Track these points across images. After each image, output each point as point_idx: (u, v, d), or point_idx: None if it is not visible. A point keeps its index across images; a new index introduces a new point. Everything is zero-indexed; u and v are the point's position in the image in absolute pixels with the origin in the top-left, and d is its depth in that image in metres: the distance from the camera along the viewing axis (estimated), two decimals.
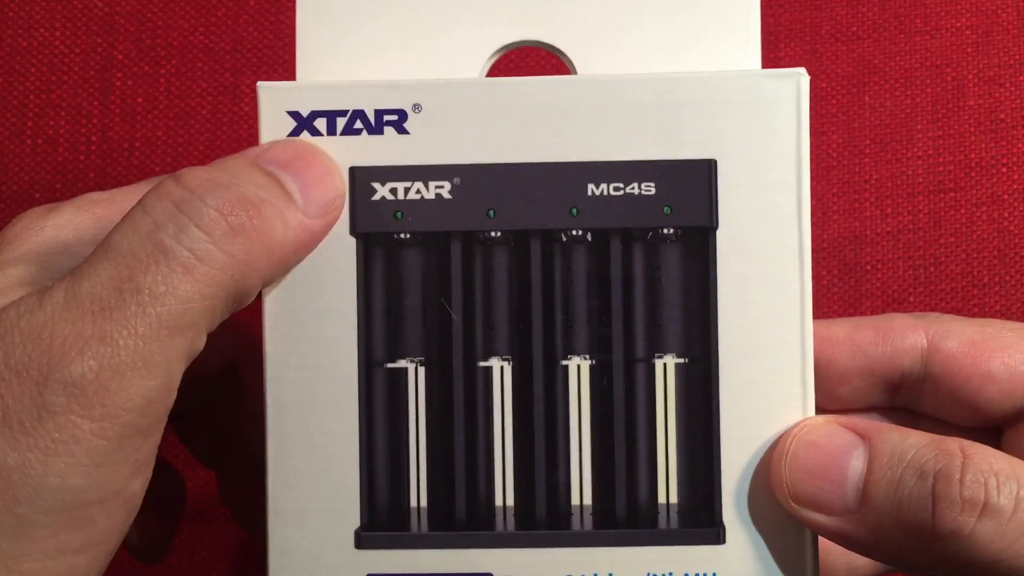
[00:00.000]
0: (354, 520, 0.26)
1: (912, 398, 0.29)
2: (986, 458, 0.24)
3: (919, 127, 0.38)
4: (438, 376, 0.26)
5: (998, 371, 0.28)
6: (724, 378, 0.26)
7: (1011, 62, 0.38)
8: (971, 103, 0.38)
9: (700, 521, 0.26)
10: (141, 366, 0.22)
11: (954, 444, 0.24)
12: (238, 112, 0.40)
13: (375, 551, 0.26)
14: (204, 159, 0.39)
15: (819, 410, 0.26)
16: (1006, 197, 0.38)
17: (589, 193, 0.26)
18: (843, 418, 0.25)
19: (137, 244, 0.22)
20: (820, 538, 0.26)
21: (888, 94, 0.38)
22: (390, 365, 0.26)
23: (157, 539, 0.32)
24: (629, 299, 0.26)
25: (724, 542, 0.25)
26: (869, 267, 0.39)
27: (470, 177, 0.26)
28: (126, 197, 0.27)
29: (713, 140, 0.26)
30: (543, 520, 0.26)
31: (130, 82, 0.39)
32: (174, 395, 0.23)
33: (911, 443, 0.24)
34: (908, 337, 0.28)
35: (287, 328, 0.26)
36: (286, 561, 0.26)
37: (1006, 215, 0.38)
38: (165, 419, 0.23)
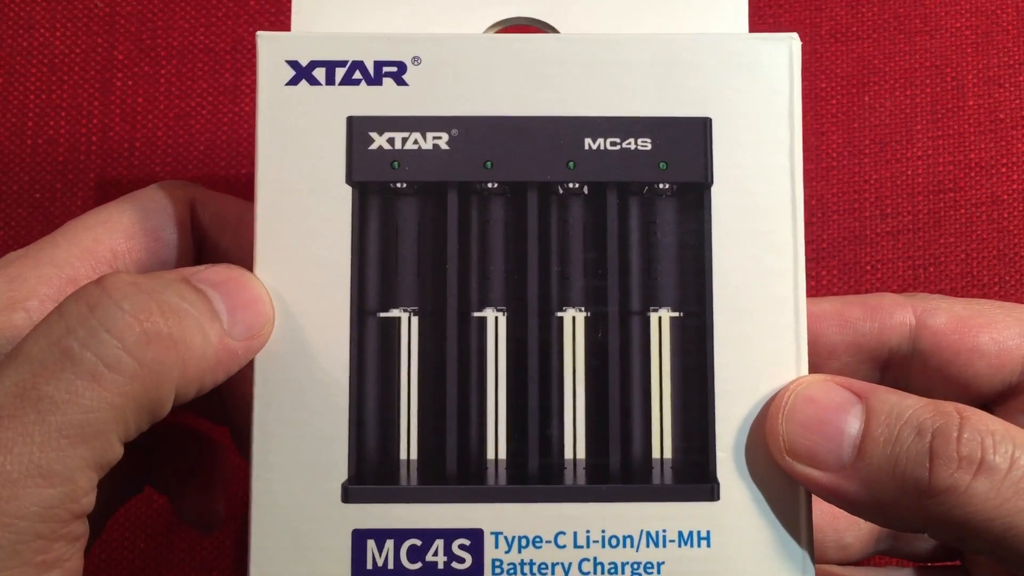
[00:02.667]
0: (341, 473, 0.25)
1: (901, 376, 0.29)
2: (982, 419, 0.23)
3: (919, 127, 0.38)
4: (431, 326, 0.26)
5: (986, 346, 0.28)
6: (718, 333, 0.25)
7: (1011, 62, 0.38)
8: (971, 103, 0.38)
9: (694, 477, 0.25)
10: (36, 475, 0.21)
11: (950, 406, 0.24)
12: (238, 112, 0.40)
13: (362, 505, 0.25)
14: (204, 159, 0.39)
15: None
16: (1006, 197, 0.38)
17: (586, 147, 0.26)
18: (840, 377, 0.25)
19: (45, 350, 0.22)
20: (812, 512, 0.25)
21: (888, 94, 0.38)
22: (383, 314, 0.26)
23: (204, 509, 0.31)
24: (625, 252, 0.26)
25: (718, 499, 0.25)
26: (869, 267, 0.39)
27: (468, 129, 0.26)
28: (40, 254, 0.27)
29: (708, 99, 0.26)
30: (535, 474, 0.25)
31: (130, 82, 0.39)
32: (85, 500, 0.22)
33: (908, 403, 0.24)
34: (896, 314, 0.28)
35: (278, 274, 0.25)
36: (269, 515, 0.25)
37: (1006, 215, 0.38)
38: (78, 520, 0.23)
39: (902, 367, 0.29)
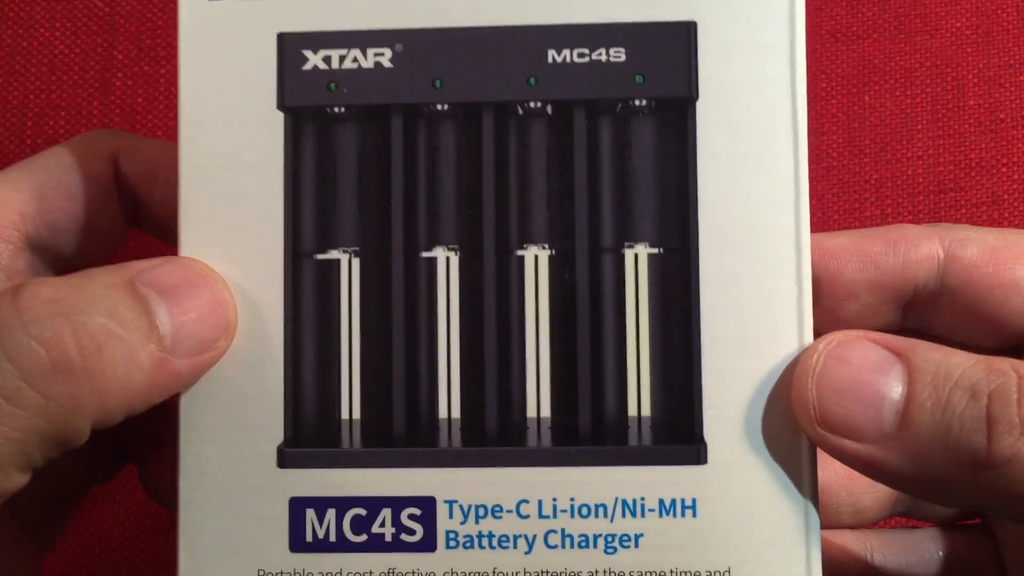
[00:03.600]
0: (276, 435, 0.22)
1: (924, 316, 0.26)
2: None
3: (919, 127, 0.37)
4: (375, 269, 0.23)
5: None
6: (705, 271, 0.22)
7: (1011, 62, 0.37)
8: (971, 103, 0.37)
9: (677, 437, 0.22)
10: None
11: (1005, 363, 0.21)
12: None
13: (300, 470, 0.22)
14: None
15: (818, 334, 0.22)
16: (1006, 197, 0.37)
17: (549, 60, 0.22)
18: (874, 333, 0.22)
19: None
20: (817, 479, 0.22)
21: (888, 94, 0.37)
22: (320, 256, 0.23)
23: (171, 481, 0.29)
24: (595, 180, 0.23)
25: (705, 462, 0.22)
26: None
27: (414, 43, 0.22)
28: None
29: (691, 0, 0.22)
30: (494, 435, 0.22)
31: (130, 82, 0.38)
32: None
33: (956, 361, 0.21)
34: (922, 246, 0.25)
35: (204, 214, 0.22)
36: (198, 482, 0.22)
37: (1006, 215, 0.37)
38: None
39: (927, 306, 0.26)
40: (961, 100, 0.37)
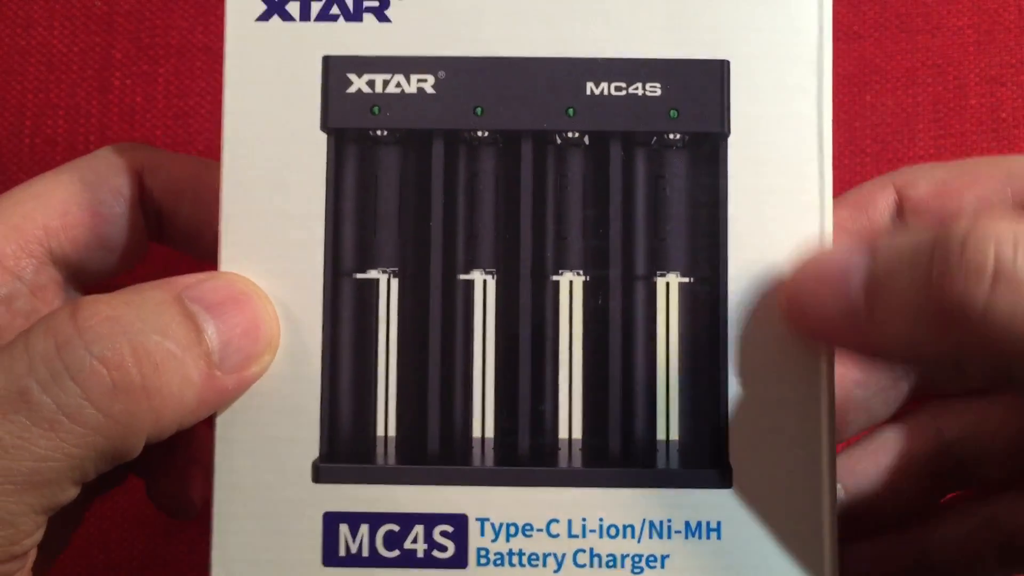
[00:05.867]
0: (312, 451, 0.23)
1: None
2: (1000, 219, 0.20)
3: (920, 127, 0.37)
4: (413, 289, 0.23)
5: (971, 207, 0.25)
6: (733, 301, 0.23)
7: (1012, 61, 0.38)
8: (972, 103, 0.37)
9: (704, 461, 0.23)
10: None
11: (963, 220, 0.20)
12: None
13: (335, 485, 0.23)
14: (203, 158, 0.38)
15: None
16: None
17: (588, 92, 0.23)
18: (848, 239, 0.23)
19: (2, 388, 0.20)
20: (836, 500, 0.23)
21: (889, 93, 0.37)
22: (360, 276, 0.23)
23: (178, 494, 0.29)
24: (629, 210, 0.23)
25: (731, 486, 0.22)
26: None
27: (456, 71, 0.23)
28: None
29: (725, 39, 0.23)
30: (526, 455, 0.23)
31: (129, 81, 0.38)
32: (27, 541, 0.21)
33: (916, 231, 0.21)
34: (879, 199, 0.26)
35: (246, 232, 0.23)
36: (233, 496, 0.23)
37: None
38: (16, 559, 0.21)
39: None
40: (962, 99, 0.37)
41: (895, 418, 0.28)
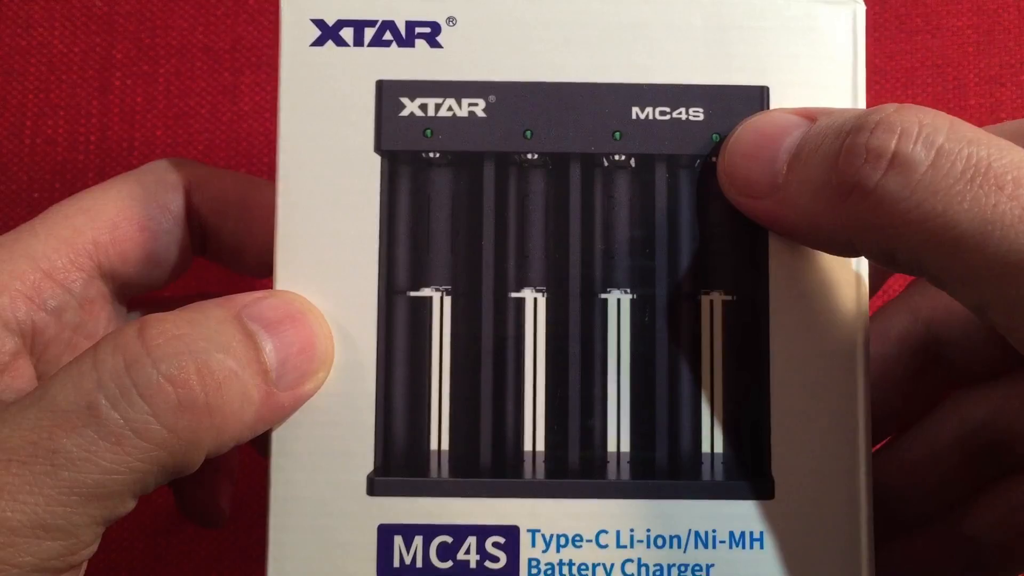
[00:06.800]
0: (367, 464, 0.23)
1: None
2: (918, 111, 0.20)
3: None
4: (465, 307, 0.24)
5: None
6: (775, 318, 0.24)
7: (1012, 62, 0.38)
8: (972, 103, 0.37)
9: (747, 473, 0.23)
10: (38, 526, 0.20)
11: (891, 104, 0.21)
12: (237, 111, 0.39)
13: (389, 498, 0.23)
14: (203, 159, 0.38)
15: None
16: None
17: (633, 117, 0.24)
18: (800, 108, 0.23)
19: (71, 401, 0.21)
20: (872, 512, 0.23)
21: (889, 94, 0.38)
22: (413, 294, 0.24)
23: (208, 503, 0.30)
24: (674, 230, 0.24)
25: (773, 497, 0.23)
26: (871, 266, 0.38)
27: (506, 95, 0.24)
28: (15, 244, 0.25)
29: (764, 67, 0.24)
30: (576, 468, 0.24)
31: (129, 81, 0.38)
32: (86, 551, 0.21)
33: (853, 111, 0.22)
34: None
35: (301, 251, 0.23)
36: (289, 508, 0.23)
37: None
38: (74, 568, 0.22)
39: None
40: (962, 100, 0.37)
41: (919, 415, 0.29)
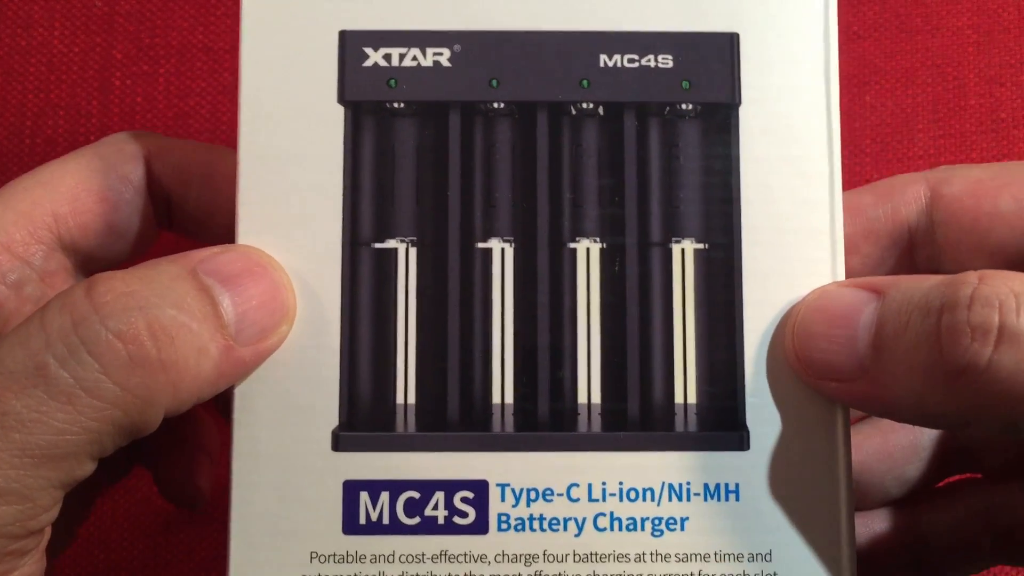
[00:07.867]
0: (332, 419, 0.23)
1: (931, 256, 0.26)
2: (1006, 280, 0.20)
3: (920, 127, 0.37)
4: (431, 258, 0.24)
5: (1007, 208, 0.25)
6: (747, 266, 0.23)
7: (1012, 61, 0.38)
8: (972, 103, 0.37)
9: (721, 424, 0.23)
10: None
11: (972, 275, 0.21)
12: (237, 112, 0.39)
13: (354, 453, 0.23)
14: None
15: None
16: None
17: (601, 64, 0.23)
18: (857, 279, 0.23)
19: (19, 362, 0.20)
20: (851, 463, 0.23)
21: (889, 94, 0.38)
22: (378, 245, 0.24)
23: (186, 483, 0.29)
24: (644, 178, 0.24)
25: (748, 448, 0.23)
26: None
27: (472, 43, 0.23)
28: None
29: (735, 13, 0.24)
30: (546, 421, 0.23)
31: (129, 81, 0.38)
32: (44, 516, 0.21)
33: (925, 285, 0.21)
34: (908, 191, 0.26)
35: (263, 204, 0.23)
36: (252, 465, 0.23)
37: None
38: (33, 535, 0.21)
39: (927, 246, 0.26)
40: (962, 100, 0.37)
41: None
